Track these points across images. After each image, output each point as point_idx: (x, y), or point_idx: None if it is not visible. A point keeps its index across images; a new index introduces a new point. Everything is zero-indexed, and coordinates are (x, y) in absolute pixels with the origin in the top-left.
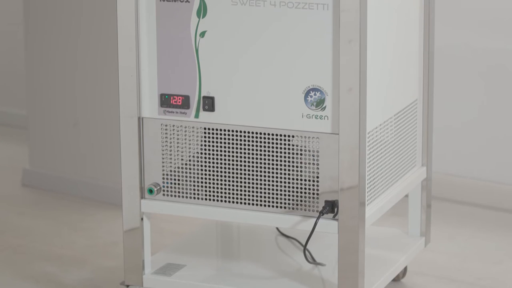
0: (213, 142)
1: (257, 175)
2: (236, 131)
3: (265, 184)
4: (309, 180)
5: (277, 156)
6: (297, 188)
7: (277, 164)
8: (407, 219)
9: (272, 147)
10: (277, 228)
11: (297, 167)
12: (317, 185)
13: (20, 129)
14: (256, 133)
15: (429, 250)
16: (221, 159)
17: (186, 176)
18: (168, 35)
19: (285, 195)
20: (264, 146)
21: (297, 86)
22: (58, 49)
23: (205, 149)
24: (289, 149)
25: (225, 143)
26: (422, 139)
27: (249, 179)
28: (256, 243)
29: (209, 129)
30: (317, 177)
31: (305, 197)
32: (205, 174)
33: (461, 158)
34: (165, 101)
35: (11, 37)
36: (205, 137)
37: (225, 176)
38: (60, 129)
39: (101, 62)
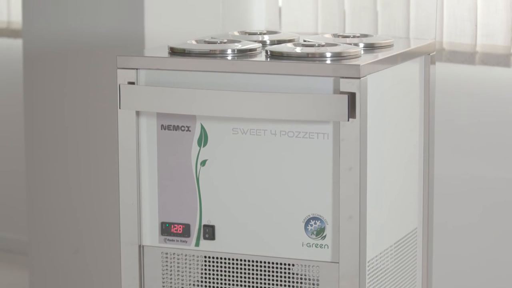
0: (213, 270)
1: None
2: (237, 260)
3: None
4: None
5: (277, 284)
6: None
7: None
8: None
9: (272, 275)
10: None
11: None
12: None
13: (21, 255)
14: (257, 261)
15: None
16: (221, 287)
17: None
18: (168, 163)
19: None
20: (264, 274)
21: (297, 215)
22: (59, 177)
23: (206, 277)
24: (289, 277)
25: (225, 271)
26: (422, 267)
27: None
28: None
29: (209, 257)
30: None
31: None
32: None
33: (462, 285)
34: (166, 229)
35: (12, 162)
36: (205, 265)
37: None
38: (61, 256)
39: (102, 189)
